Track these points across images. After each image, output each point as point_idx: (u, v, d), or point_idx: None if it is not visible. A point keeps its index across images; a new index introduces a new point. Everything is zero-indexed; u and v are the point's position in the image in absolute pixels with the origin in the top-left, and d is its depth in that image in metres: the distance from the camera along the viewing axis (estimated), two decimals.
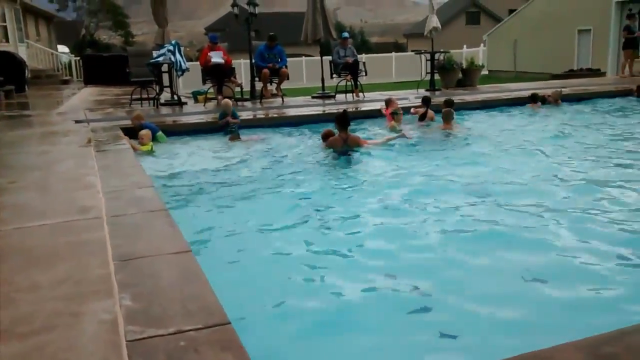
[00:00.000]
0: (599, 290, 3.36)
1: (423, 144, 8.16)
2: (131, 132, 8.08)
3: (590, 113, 10.63)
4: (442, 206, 5.08)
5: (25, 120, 10.13)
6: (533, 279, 3.51)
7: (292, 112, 10.75)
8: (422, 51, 14.83)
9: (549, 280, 3.49)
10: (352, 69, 12.65)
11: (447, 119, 8.79)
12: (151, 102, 11.97)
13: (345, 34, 13.65)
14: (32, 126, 9.34)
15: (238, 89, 13.06)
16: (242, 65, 19.25)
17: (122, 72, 12.50)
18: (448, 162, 6.90)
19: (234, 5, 13.86)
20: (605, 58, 20.21)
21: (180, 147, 8.19)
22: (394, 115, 9.07)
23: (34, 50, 21.66)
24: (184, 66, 11.85)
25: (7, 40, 18.89)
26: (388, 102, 9.71)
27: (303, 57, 24.94)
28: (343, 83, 12.81)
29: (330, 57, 13.20)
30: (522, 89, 13.31)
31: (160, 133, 8.43)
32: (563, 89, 12.24)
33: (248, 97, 13.11)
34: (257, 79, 12.86)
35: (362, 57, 17.96)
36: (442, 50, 15.19)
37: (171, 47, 11.72)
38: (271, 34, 12.70)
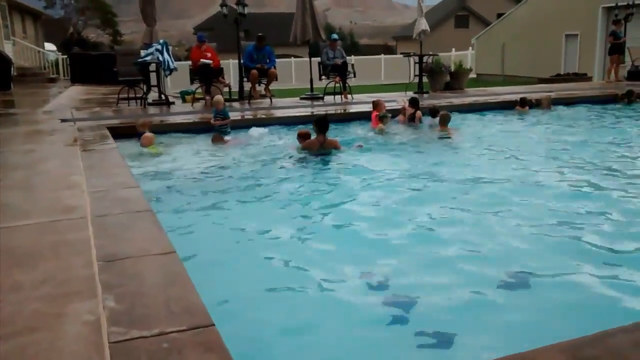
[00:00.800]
0: (582, 293, 3.39)
1: (413, 146, 8.22)
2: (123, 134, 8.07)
3: (577, 117, 10.71)
4: (426, 208, 5.11)
5: (11, 119, 10.03)
6: (516, 282, 3.54)
7: (280, 113, 10.73)
8: (411, 54, 14.86)
9: (530, 284, 3.52)
10: (341, 71, 12.67)
11: (444, 122, 8.80)
12: (139, 101, 11.91)
13: (335, 36, 13.66)
14: (18, 124, 9.26)
15: (227, 89, 13.03)
16: (230, 66, 19.20)
17: (110, 71, 12.43)
18: (437, 164, 6.95)
19: (223, 5, 13.82)
20: (591, 63, 20.43)
21: (166, 148, 8.14)
22: (382, 118, 9.08)
23: (21, 47, 21.46)
24: (172, 66, 11.79)
25: None
26: (375, 105, 9.71)
27: (292, 58, 24.93)
28: (332, 85, 12.82)
29: (319, 59, 13.21)
30: (510, 92, 13.39)
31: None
32: (550, 93, 12.35)
33: (236, 97, 13.08)
34: (245, 79, 12.83)
35: (351, 59, 17.97)
36: (430, 53, 15.24)
37: (159, 47, 11.67)
38: (260, 34, 12.69)
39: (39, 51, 22.92)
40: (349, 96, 12.74)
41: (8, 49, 18.72)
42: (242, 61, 12.71)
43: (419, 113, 9.59)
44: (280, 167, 6.95)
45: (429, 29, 14.73)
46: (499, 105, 11.53)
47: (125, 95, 11.95)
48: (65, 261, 2.93)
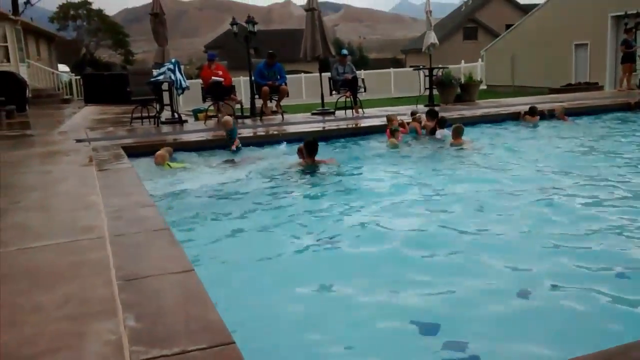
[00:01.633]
0: (605, 304, 3.36)
1: (427, 160, 8.24)
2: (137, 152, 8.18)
3: (591, 127, 10.66)
4: (435, 217, 5.13)
5: (27, 140, 10.17)
6: (539, 294, 3.51)
7: (292, 128, 10.79)
8: (421, 67, 14.95)
9: (555, 295, 3.49)
10: (351, 86, 12.73)
11: (458, 134, 8.79)
12: (152, 120, 12.03)
13: (345, 52, 13.75)
14: (34, 146, 9.38)
15: (238, 106, 13.13)
16: (241, 83, 19.37)
17: (123, 90, 12.57)
18: (452, 177, 6.97)
19: (233, 23, 13.98)
20: (602, 72, 20.35)
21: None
22: (393, 132, 9.12)
23: (35, 69, 21.82)
24: (184, 84, 11.91)
25: (8, 60, 19.04)
26: (389, 120, 9.74)
27: (302, 74, 25.09)
28: (342, 99, 12.88)
29: (329, 74, 13.30)
30: (521, 103, 13.36)
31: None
32: (562, 103, 12.31)
33: (248, 114, 13.18)
34: (257, 96, 12.93)
35: (361, 74, 18.07)
36: (440, 65, 15.29)
37: (171, 66, 11.80)
38: (270, 51, 12.80)
39: (52, 73, 23.28)
40: (360, 110, 12.79)
41: (23, 71, 19.04)
42: (253, 78, 12.82)
43: (441, 131, 9.57)
44: (294, 183, 6.98)
45: (438, 42, 14.81)
46: (511, 116, 11.51)
47: (139, 115, 12.07)
48: (85, 281, 2.95)
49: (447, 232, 4.80)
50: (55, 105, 19.52)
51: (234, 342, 2.21)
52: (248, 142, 9.49)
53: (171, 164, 8.02)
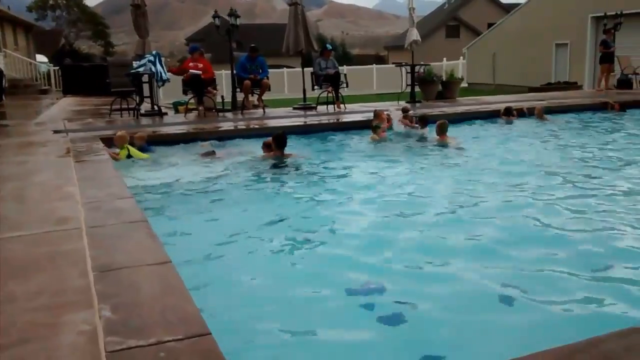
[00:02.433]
0: (575, 299, 3.42)
1: (411, 155, 8.30)
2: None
3: (569, 126, 10.80)
4: (414, 215, 5.16)
5: (3, 130, 10.00)
6: (508, 289, 3.55)
7: (273, 123, 10.75)
8: (403, 63, 14.96)
9: (523, 291, 3.53)
10: (334, 81, 12.73)
11: (442, 131, 8.81)
12: (131, 112, 11.90)
13: (329, 46, 13.74)
14: (10, 136, 9.23)
15: (219, 99, 13.05)
16: (223, 76, 19.24)
17: (102, 82, 12.40)
18: (424, 172, 7.05)
19: (215, 16, 13.87)
20: (582, 71, 20.64)
21: (159, 158, 8.13)
22: (375, 128, 9.15)
23: (12, 59, 21.41)
24: (164, 77, 11.80)
25: None
26: (375, 115, 9.73)
27: (284, 68, 25.02)
28: (324, 94, 12.88)
29: (311, 69, 13.28)
30: (501, 101, 13.49)
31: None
32: (542, 102, 12.45)
33: (229, 107, 13.10)
34: (238, 89, 12.86)
35: (344, 69, 18.08)
36: (422, 62, 15.35)
37: (152, 58, 11.67)
38: (252, 45, 12.74)
39: (30, 63, 22.87)
40: (342, 106, 12.80)
41: None
42: (235, 72, 12.74)
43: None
44: (268, 176, 6.99)
45: (420, 39, 14.85)
46: (491, 114, 11.61)
47: (118, 106, 11.93)
48: (61, 272, 2.92)
49: (423, 229, 4.84)
50: (33, 95, 19.20)
51: (210, 333, 2.21)
52: (229, 136, 9.45)
53: (135, 152, 7.85)
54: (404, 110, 10.61)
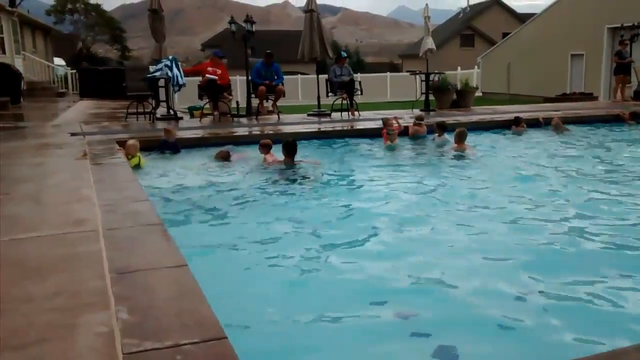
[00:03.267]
0: (598, 311, 3.37)
1: (428, 164, 8.27)
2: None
3: (585, 137, 10.70)
4: (441, 229, 5.11)
5: (20, 132, 10.12)
6: (529, 299, 3.51)
7: (287, 129, 10.79)
8: (417, 72, 14.96)
9: (544, 301, 3.49)
10: (348, 88, 12.75)
11: (460, 139, 8.75)
12: (147, 116, 11.99)
13: (344, 53, 13.78)
14: (27, 138, 9.33)
15: (234, 104, 13.11)
16: (237, 82, 19.34)
17: (119, 85, 12.54)
18: (440, 181, 7.00)
19: (231, 22, 13.98)
20: (597, 82, 20.46)
21: (174, 162, 8.19)
22: (388, 134, 9.17)
23: (30, 62, 21.70)
24: (181, 81, 11.89)
25: (4, 52, 18.92)
26: (385, 122, 9.77)
27: (298, 75, 25.10)
28: (339, 101, 12.90)
29: (326, 76, 13.32)
30: (516, 111, 13.42)
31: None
32: (557, 112, 12.36)
33: (244, 113, 13.17)
34: (253, 95, 12.92)
35: (358, 77, 18.10)
36: (436, 71, 15.33)
37: (168, 62, 11.78)
38: (268, 51, 12.81)
39: (48, 66, 23.16)
40: (355, 113, 12.81)
41: (18, 64, 18.93)
42: (250, 77, 12.81)
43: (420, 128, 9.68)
44: (282, 184, 6.99)
45: (435, 48, 14.84)
46: (506, 124, 11.54)
47: (134, 110, 12.04)
48: (77, 273, 2.94)
49: (436, 237, 4.81)
50: (50, 98, 19.41)
51: (226, 337, 2.21)
52: (243, 142, 9.49)
53: (144, 163, 7.85)
54: (418, 118, 10.60)
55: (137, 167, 7.67)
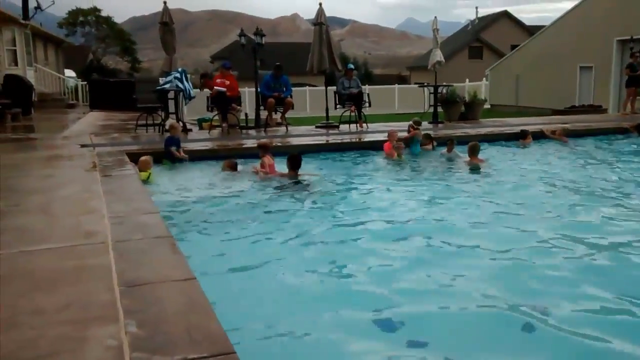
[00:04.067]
0: (606, 330, 3.35)
1: (434, 177, 8.25)
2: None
3: (591, 150, 10.65)
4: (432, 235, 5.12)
5: (30, 143, 10.19)
6: (537, 317, 3.49)
7: (296, 141, 10.81)
8: (426, 84, 14.98)
9: (551, 319, 3.47)
10: (357, 100, 12.78)
11: (473, 153, 8.73)
12: (156, 128, 12.06)
13: (351, 65, 13.83)
14: (37, 149, 9.40)
15: (243, 116, 13.17)
16: (246, 94, 19.43)
17: (129, 97, 12.64)
18: (465, 196, 6.99)
19: (241, 35, 14.09)
20: (607, 95, 20.39)
21: (183, 173, 8.21)
22: (396, 148, 9.19)
23: (42, 73, 21.90)
24: (191, 94, 11.98)
25: (16, 64, 19.12)
26: (389, 135, 9.76)
27: (307, 87, 25.18)
28: (347, 113, 12.92)
29: (334, 88, 13.37)
30: (525, 123, 13.39)
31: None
32: (565, 125, 12.32)
33: (253, 125, 13.22)
34: (262, 107, 12.98)
35: (366, 89, 18.14)
36: (445, 83, 15.33)
37: (178, 75, 11.87)
38: (277, 63, 12.88)
39: (59, 77, 23.37)
40: (364, 125, 12.83)
41: (30, 75, 19.12)
42: (259, 89, 12.87)
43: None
44: (291, 195, 6.99)
45: (444, 60, 14.87)
46: (515, 136, 11.52)
47: (144, 122, 12.11)
48: (87, 286, 2.95)
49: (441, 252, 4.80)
50: (61, 109, 19.57)
51: (235, 352, 2.21)
52: (252, 154, 9.50)
53: (153, 179, 7.78)
54: (415, 123, 10.56)
55: (145, 182, 7.67)
